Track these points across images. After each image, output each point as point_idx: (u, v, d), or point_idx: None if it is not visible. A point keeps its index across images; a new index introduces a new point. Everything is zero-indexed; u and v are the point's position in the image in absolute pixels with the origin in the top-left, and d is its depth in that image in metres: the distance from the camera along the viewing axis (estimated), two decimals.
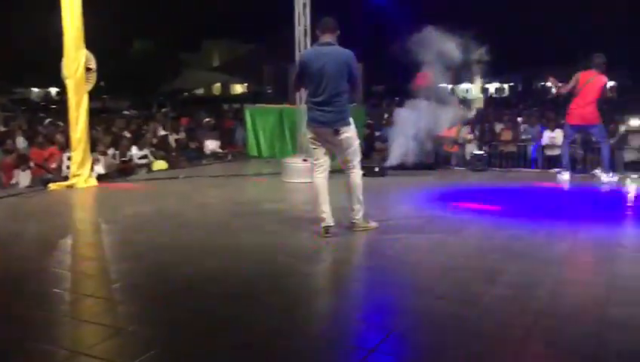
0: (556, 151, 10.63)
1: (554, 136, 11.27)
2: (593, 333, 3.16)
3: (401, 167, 9.43)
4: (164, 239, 5.20)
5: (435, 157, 10.58)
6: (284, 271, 4.31)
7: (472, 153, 10.83)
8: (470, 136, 11.92)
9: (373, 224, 5.37)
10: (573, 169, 9.86)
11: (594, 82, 7.96)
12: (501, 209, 6.56)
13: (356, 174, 5.20)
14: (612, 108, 13.97)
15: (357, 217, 5.23)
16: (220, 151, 12.14)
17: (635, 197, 7.23)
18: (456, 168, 10.35)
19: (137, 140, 10.97)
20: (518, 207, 6.72)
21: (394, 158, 9.80)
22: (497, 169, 10.42)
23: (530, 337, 3.14)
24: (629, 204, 6.58)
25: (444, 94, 10.49)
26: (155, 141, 11.53)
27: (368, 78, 15.62)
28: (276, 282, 4.06)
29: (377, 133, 12.53)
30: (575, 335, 3.15)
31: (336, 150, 5.21)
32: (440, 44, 8.83)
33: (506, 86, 41.25)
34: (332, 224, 5.06)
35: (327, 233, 5.03)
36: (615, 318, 3.36)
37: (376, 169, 8.95)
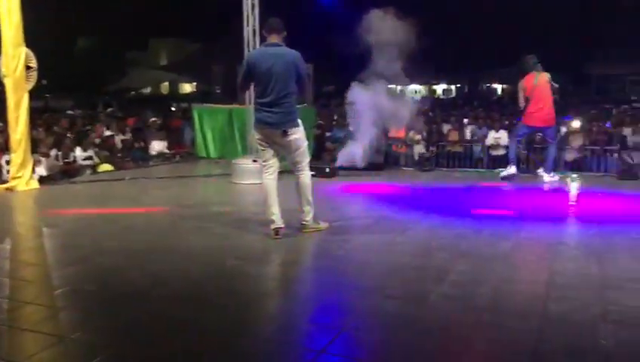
0: (501, 152, 10.94)
1: (499, 137, 11.58)
2: (534, 329, 3.26)
3: (352, 168, 9.51)
4: (109, 242, 5.07)
5: (384, 158, 10.72)
6: (233, 273, 4.28)
7: (420, 153, 11.03)
8: (418, 137, 12.12)
9: (323, 224, 5.38)
10: (517, 168, 10.18)
11: (540, 82, 8.10)
12: (448, 208, 6.69)
13: (305, 175, 5.20)
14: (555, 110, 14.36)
15: (307, 218, 5.23)
16: (168, 151, 11.92)
17: (576, 195, 7.51)
18: (404, 168, 10.50)
19: (81, 141, 10.65)
20: (464, 206, 6.86)
21: (344, 159, 9.87)
22: (444, 169, 10.64)
23: (475, 335, 3.21)
24: (570, 203, 6.81)
25: (393, 95, 10.64)
26: (99, 142, 11.22)
27: (318, 79, 15.68)
28: (225, 284, 4.02)
29: (328, 134, 12.58)
30: (517, 331, 3.25)
31: (284, 151, 5.20)
32: (388, 45, 8.95)
33: (453, 87, 42.16)
34: (282, 225, 5.04)
35: (276, 234, 5.02)
36: (555, 314, 3.48)
37: (327, 170, 8.99)
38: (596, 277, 4.10)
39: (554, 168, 8.66)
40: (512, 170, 8.48)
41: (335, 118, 14.37)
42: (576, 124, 12.00)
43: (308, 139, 10.29)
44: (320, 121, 13.56)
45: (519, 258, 4.78)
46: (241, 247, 4.94)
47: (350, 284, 4.10)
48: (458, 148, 12.26)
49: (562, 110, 12.82)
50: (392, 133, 12.12)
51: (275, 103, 4.94)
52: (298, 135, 5.09)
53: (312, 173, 8.39)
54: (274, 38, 5.05)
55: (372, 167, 9.71)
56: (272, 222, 5.03)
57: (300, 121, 5.12)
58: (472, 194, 7.76)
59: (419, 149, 11.47)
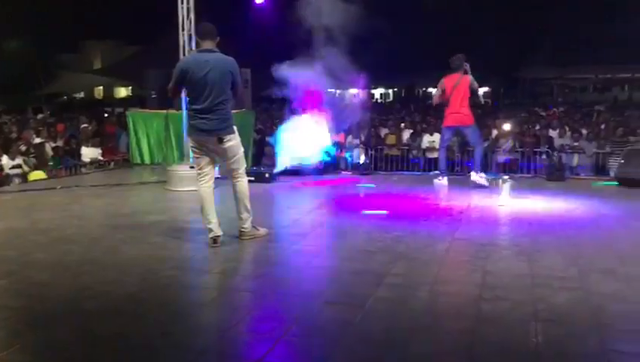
0: (435, 154, 11.19)
1: (433, 140, 11.88)
2: (469, 330, 3.35)
3: (291, 173, 9.51)
4: (38, 255, 4.86)
5: (323, 162, 10.77)
6: (169, 284, 4.19)
7: (358, 157, 11.16)
8: (356, 141, 12.27)
9: (262, 231, 5.34)
10: (451, 172, 10.43)
11: (461, 84, 8.20)
12: (386, 212, 6.78)
13: (243, 182, 5.15)
14: (484, 113, 14.88)
15: (245, 225, 5.18)
16: (101, 159, 11.57)
17: (507, 196, 7.77)
18: (343, 172, 10.58)
19: (8, 148, 10.19)
20: (402, 209, 6.97)
21: (284, 163, 9.86)
22: (382, 172, 10.79)
23: (412, 337, 3.26)
24: (501, 204, 7.04)
25: (332, 99, 10.74)
26: (29, 149, 10.77)
27: (258, 83, 15.59)
28: (160, 296, 3.93)
29: (268, 139, 12.53)
30: (452, 332, 3.32)
31: (220, 158, 5.14)
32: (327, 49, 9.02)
33: (390, 91, 42.87)
34: (220, 234, 4.98)
35: (214, 243, 4.95)
36: (488, 314, 3.58)
37: (267, 175, 8.94)
38: (526, 277, 4.25)
39: (483, 169, 8.86)
40: (443, 181, 8.56)
41: (275, 122, 14.37)
42: (506, 126, 12.43)
43: (247, 144, 10.31)
44: (260, 126, 13.50)
45: (454, 259, 4.89)
46: (177, 257, 4.84)
47: (289, 291, 4.08)
48: (395, 152, 12.50)
49: (493, 113, 13.27)
50: (333, 138, 12.23)
51: (211, 110, 4.87)
52: (234, 141, 5.04)
53: (251, 178, 8.37)
54: (208, 44, 4.99)
55: (311, 171, 9.75)
56: (210, 230, 4.95)
57: (235, 127, 5.07)
58: (409, 197, 7.88)
59: (357, 153, 11.63)
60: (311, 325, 3.47)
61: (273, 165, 9.99)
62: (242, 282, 4.40)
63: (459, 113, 8.28)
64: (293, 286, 4.20)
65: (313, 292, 4.03)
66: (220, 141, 4.93)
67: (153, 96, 9.68)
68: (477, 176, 8.42)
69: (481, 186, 8.28)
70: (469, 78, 8.28)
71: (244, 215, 5.15)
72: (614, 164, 9.46)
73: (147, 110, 12.06)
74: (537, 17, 26.53)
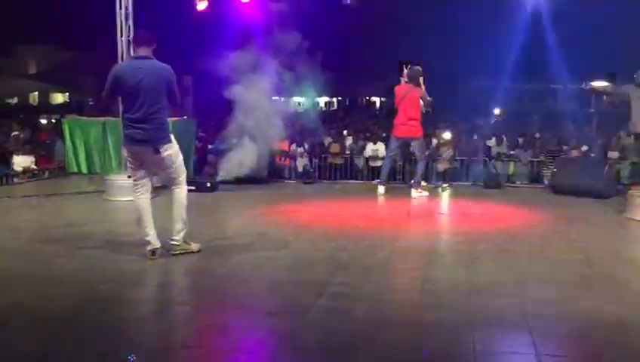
0: (379, 163, 11.33)
1: (377, 149, 12.02)
2: (409, 339, 3.38)
3: (234, 181, 9.42)
4: None
5: (267, 171, 10.73)
6: (106, 297, 4.05)
7: (302, 166, 11.17)
8: (300, 149, 12.28)
9: (194, 246, 5.11)
10: (394, 180, 10.59)
11: (409, 96, 8.34)
12: (329, 221, 6.82)
13: (181, 192, 4.99)
14: (425, 122, 15.10)
15: (176, 238, 4.96)
16: (35, 168, 11.11)
17: (447, 204, 7.96)
18: (287, 181, 10.56)
19: None
20: (345, 217, 7.01)
21: (227, 172, 9.76)
22: (326, 181, 10.83)
23: (353, 348, 3.27)
24: (441, 212, 7.20)
25: (276, 107, 10.71)
26: None
27: (199, 90, 15.38)
28: (96, 310, 3.79)
29: (210, 146, 12.37)
30: (392, 341, 3.35)
31: (157, 169, 4.99)
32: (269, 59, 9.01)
33: (334, 100, 43.21)
34: (158, 246, 4.86)
35: (153, 255, 4.82)
36: (429, 322, 3.64)
37: (208, 184, 8.82)
38: (464, 284, 4.34)
39: (424, 180, 9.01)
40: (381, 189, 8.63)
41: (218, 129, 14.21)
42: (446, 135, 12.73)
43: (189, 153, 10.14)
44: (202, 134, 13.32)
45: (395, 268, 4.94)
46: (115, 270, 4.69)
47: (230, 304, 4.03)
48: (339, 160, 12.58)
49: (433, 123, 13.57)
50: (277, 146, 12.20)
51: (145, 119, 4.71)
52: (171, 151, 4.87)
53: (192, 188, 8.23)
54: (143, 51, 4.82)
55: (255, 180, 9.69)
56: (148, 242, 4.82)
57: (172, 135, 4.91)
58: (351, 205, 7.95)
59: (301, 162, 11.64)
60: (252, 338, 3.43)
61: (216, 174, 9.88)
62: (181, 295, 4.31)
63: (406, 125, 8.39)
64: (233, 298, 4.14)
65: (254, 304, 3.98)
66: (157, 152, 4.78)
67: (91, 102, 9.42)
68: (416, 193, 8.46)
69: (419, 199, 8.37)
70: (420, 90, 8.39)
71: (178, 225, 4.96)
72: (548, 172, 9.83)
73: (84, 117, 11.73)
74: (474, 30, 27.37)
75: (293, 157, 12.02)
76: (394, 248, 5.45)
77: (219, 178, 9.43)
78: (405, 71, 8.58)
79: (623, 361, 3.14)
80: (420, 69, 8.50)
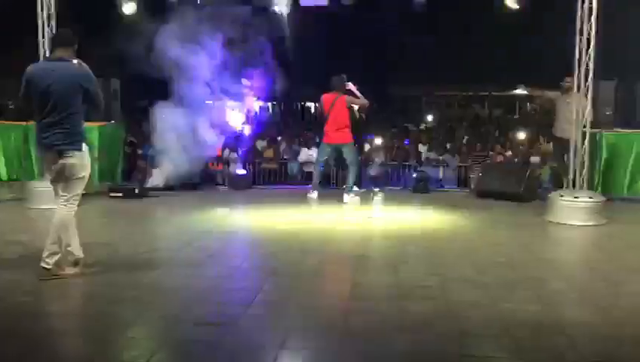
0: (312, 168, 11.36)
1: (311, 154, 12.08)
2: (336, 344, 3.40)
3: (165, 188, 9.22)
4: None
5: (200, 177, 10.56)
6: (22, 311, 3.85)
7: (236, 172, 11.05)
8: (234, 155, 12.17)
9: (70, 270, 4.59)
10: (328, 185, 10.67)
11: (337, 104, 8.44)
12: (260, 227, 6.78)
13: (66, 211, 4.53)
14: (357, 128, 15.28)
15: (49, 261, 4.47)
16: None
17: (378, 209, 8.07)
18: (221, 188, 10.43)
19: None
20: (277, 224, 6.98)
21: (157, 178, 9.54)
22: (260, 187, 10.77)
23: (281, 355, 3.25)
24: (372, 216, 7.29)
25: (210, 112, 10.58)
26: None
27: (130, 93, 14.97)
28: (10, 325, 3.60)
29: (139, 152, 12.06)
30: (319, 348, 3.36)
31: (58, 177, 4.55)
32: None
33: (269, 104, 43.10)
34: (81, 256, 4.65)
35: (75, 266, 4.62)
36: (355, 327, 3.67)
37: (136, 191, 8.58)
38: (392, 287, 4.42)
39: (356, 185, 9.12)
40: (313, 194, 8.66)
41: (149, 134, 13.85)
42: (378, 141, 12.97)
43: (116, 158, 9.85)
44: (132, 139, 12.97)
45: (325, 273, 4.96)
46: (33, 282, 4.47)
47: (156, 315, 3.92)
48: (273, 166, 12.56)
49: (365, 128, 13.79)
50: (210, 151, 12.02)
51: (55, 124, 4.41)
52: (76, 160, 4.47)
53: (119, 194, 8.02)
54: (60, 52, 4.54)
55: (187, 186, 9.51)
56: (69, 253, 4.62)
57: (85, 146, 4.54)
58: (285, 211, 7.92)
59: (235, 167, 11.51)
60: (179, 349, 3.36)
61: (145, 180, 9.64)
62: (105, 306, 4.15)
63: (336, 132, 8.49)
64: (159, 309, 4.03)
65: (181, 314, 3.89)
66: (60, 155, 4.43)
67: (11, 106, 9.00)
68: (349, 198, 8.55)
69: (350, 204, 8.46)
70: (346, 97, 8.49)
71: (53, 248, 4.48)
72: (474, 177, 10.16)
73: (3, 122, 11.15)
74: (406, 38, 28.01)
75: (227, 163, 11.90)
76: (324, 253, 5.48)
77: (148, 184, 9.20)
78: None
79: (543, 360, 3.28)
80: (344, 76, 8.62)
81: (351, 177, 8.73)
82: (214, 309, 3.97)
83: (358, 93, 8.60)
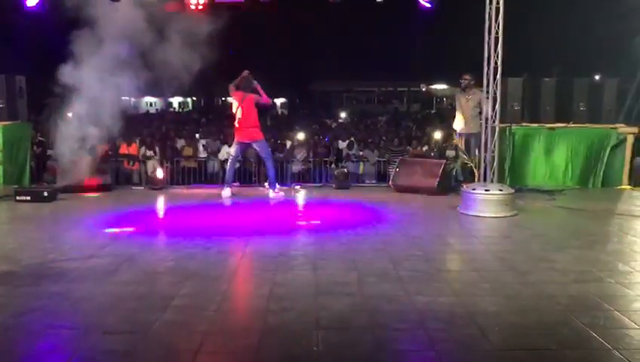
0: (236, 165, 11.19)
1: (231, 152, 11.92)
2: (254, 345, 3.37)
3: (74, 189, 8.80)
4: None
5: (114, 176, 10.18)
6: None
7: (152, 170, 10.72)
8: (150, 153, 11.82)
9: None
10: (250, 182, 10.61)
11: (246, 102, 8.54)
12: (178, 228, 6.61)
13: None
14: (276, 124, 15.28)
15: None
16: None
17: (300, 206, 8.09)
18: (135, 188, 10.08)
19: None
20: (195, 224, 6.85)
21: (65, 178, 9.10)
22: (179, 186, 10.52)
23: (195, 360, 3.19)
24: (298, 213, 7.29)
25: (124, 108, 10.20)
26: None
27: (37, 90, 14.20)
28: None
29: (49, 152, 11.46)
30: (237, 350, 3.32)
31: None
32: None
33: (189, 100, 42.26)
34: None
35: None
36: (274, 326, 3.65)
37: (45, 193, 8.13)
38: (311, 285, 4.43)
39: (278, 180, 9.16)
40: (226, 192, 8.65)
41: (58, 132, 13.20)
42: (300, 136, 12.99)
43: (23, 158, 9.31)
44: (40, 138, 12.32)
45: (244, 273, 4.91)
46: None
47: (65, 325, 3.73)
48: (192, 164, 12.29)
49: (288, 124, 13.78)
50: (123, 149, 11.61)
51: None
52: None
53: (27, 198, 7.60)
54: None
55: (99, 187, 9.13)
56: None
57: None
58: (203, 211, 7.78)
59: (152, 166, 11.18)
60: (88, 359, 3.21)
61: (55, 181, 9.17)
62: (10, 318, 3.91)
63: (247, 129, 8.61)
64: (68, 318, 3.84)
65: (92, 323, 3.73)
66: None
67: None
68: (274, 194, 8.71)
69: (275, 200, 8.52)
70: (254, 96, 8.60)
71: None
72: (392, 171, 10.37)
73: None
74: (327, 34, 28.26)
75: (143, 162, 11.54)
76: (244, 254, 5.42)
77: (57, 185, 8.77)
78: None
79: (455, 351, 3.39)
80: (247, 73, 8.66)
81: (270, 172, 8.85)
82: (127, 317, 3.83)
83: (262, 92, 8.71)
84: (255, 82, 8.69)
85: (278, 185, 8.86)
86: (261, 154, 8.95)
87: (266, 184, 9.19)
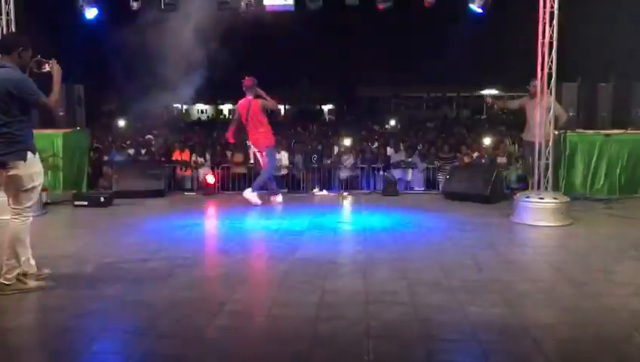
0: (283, 172, 11.28)
1: (279, 158, 11.99)
2: (304, 352, 3.38)
3: (131, 194, 9.06)
4: None
5: (167, 182, 10.41)
6: None
7: (205, 177, 10.90)
8: (201, 160, 12.03)
9: (32, 283, 4.49)
10: (298, 189, 10.67)
11: (253, 108, 8.45)
12: (228, 235, 6.70)
13: (20, 223, 4.40)
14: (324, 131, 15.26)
15: (8, 276, 4.37)
16: None
17: (347, 212, 8.08)
18: (187, 193, 10.29)
19: None
20: (245, 230, 6.93)
21: (122, 184, 9.38)
22: (229, 192, 10.66)
23: None
24: (340, 221, 7.28)
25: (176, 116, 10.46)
26: None
27: (95, 99, 14.73)
28: None
29: (105, 158, 11.85)
30: (287, 357, 3.34)
31: (6, 190, 4.41)
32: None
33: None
34: (34, 271, 4.51)
35: (38, 279, 4.50)
36: (324, 334, 3.65)
37: (102, 199, 8.40)
38: (360, 294, 4.41)
39: (327, 188, 9.11)
40: (278, 198, 8.69)
41: (115, 140, 13.64)
42: (347, 142, 12.96)
43: (81, 165, 9.65)
44: (97, 145, 12.74)
45: (293, 280, 4.92)
46: None
47: (121, 328, 3.84)
48: (243, 170, 12.43)
49: (335, 130, 13.80)
50: (176, 156, 11.88)
51: None
52: (21, 171, 4.28)
53: (84, 203, 7.84)
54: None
55: (153, 193, 9.36)
56: (29, 267, 4.49)
57: (31, 155, 4.34)
58: (254, 217, 7.87)
59: (203, 172, 11.38)
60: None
61: (111, 187, 9.46)
62: (68, 320, 4.04)
63: (257, 137, 8.56)
64: (124, 322, 3.96)
65: (146, 327, 3.82)
66: (3, 166, 4.26)
67: None
68: (250, 195, 8.53)
69: (251, 202, 8.42)
70: (260, 101, 8.50)
71: (11, 262, 4.37)
72: (442, 178, 10.24)
73: None
74: (375, 41, 28.25)
75: (195, 168, 11.76)
76: (294, 260, 5.45)
77: (114, 190, 9.04)
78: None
79: None
80: (253, 79, 8.59)
81: (260, 176, 8.71)
82: (181, 321, 3.90)
83: (267, 97, 8.61)
84: (258, 88, 8.54)
85: (324, 193, 8.76)
86: (266, 157, 8.72)
87: (315, 189, 9.19)
